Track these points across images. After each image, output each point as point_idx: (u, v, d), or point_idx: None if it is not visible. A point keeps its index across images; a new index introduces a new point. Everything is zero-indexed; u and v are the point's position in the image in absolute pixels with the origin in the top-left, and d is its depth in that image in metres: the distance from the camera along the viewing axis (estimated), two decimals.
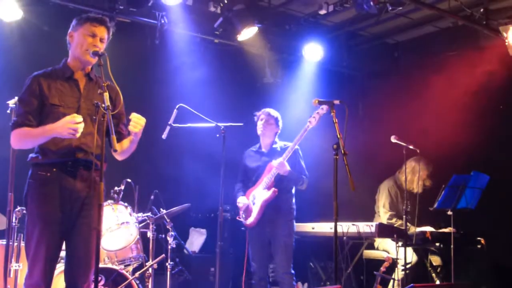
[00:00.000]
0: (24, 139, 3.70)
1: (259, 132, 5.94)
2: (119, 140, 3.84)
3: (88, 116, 3.73)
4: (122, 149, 3.91)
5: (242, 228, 6.09)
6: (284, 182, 5.75)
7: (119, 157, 3.93)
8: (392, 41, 8.74)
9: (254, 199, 5.82)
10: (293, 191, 5.90)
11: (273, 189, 5.68)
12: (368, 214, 7.10)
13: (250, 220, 5.82)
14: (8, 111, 4.54)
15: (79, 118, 3.52)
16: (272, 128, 5.93)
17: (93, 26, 3.78)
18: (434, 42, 8.15)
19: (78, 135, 3.53)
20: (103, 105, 3.44)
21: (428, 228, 6.54)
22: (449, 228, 6.55)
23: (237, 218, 6.04)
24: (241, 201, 5.92)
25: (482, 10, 7.00)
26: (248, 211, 5.87)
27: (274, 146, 5.94)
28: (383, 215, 6.81)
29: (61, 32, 3.91)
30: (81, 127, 3.52)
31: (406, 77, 8.36)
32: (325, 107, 5.25)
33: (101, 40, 3.80)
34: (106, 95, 3.46)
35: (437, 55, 8.00)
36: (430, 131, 7.43)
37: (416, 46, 8.46)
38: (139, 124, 3.68)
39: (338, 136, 4.31)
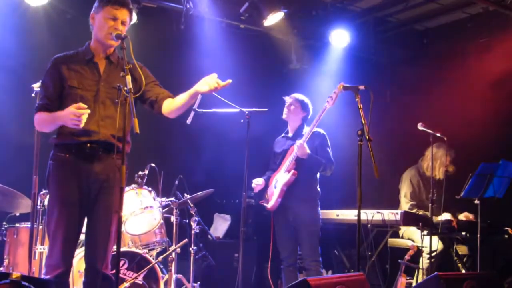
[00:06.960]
0: (41, 123, 3.76)
1: (283, 116, 5.87)
2: (163, 99, 3.90)
3: (108, 99, 3.75)
4: (172, 107, 3.91)
5: (265, 213, 6.03)
6: (305, 166, 5.61)
7: (171, 115, 3.95)
8: (421, 28, 8.57)
9: (276, 183, 5.74)
10: (318, 176, 5.79)
11: (292, 171, 5.57)
12: (395, 202, 7.01)
13: (271, 203, 5.75)
14: (33, 95, 4.57)
15: (84, 107, 3.50)
16: (296, 112, 5.83)
17: (114, 8, 3.73)
18: (464, 28, 7.96)
19: (81, 125, 3.50)
20: (125, 88, 3.42)
21: (446, 215, 6.42)
22: (465, 213, 6.47)
23: (260, 202, 5.98)
24: (254, 181, 5.81)
25: None
26: (270, 194, 5.81)
27: (300, 130, 5.83)
28: (404, 204, 6.71)
29: (87, 17, 3.89)
30: (85, 117, 3.49)
31: (435, 64, 8.22)
32: (340, 85, 5.03)
33: (123, 23, 3.77)
34: (129, 78, 3.45)
35: (468, 42, 7.84)
36: (458, 118, 7.31)
37: (446, 33, 8.30)
38: (209, 84, 3.76)
39: (363, 122, 4.27)
